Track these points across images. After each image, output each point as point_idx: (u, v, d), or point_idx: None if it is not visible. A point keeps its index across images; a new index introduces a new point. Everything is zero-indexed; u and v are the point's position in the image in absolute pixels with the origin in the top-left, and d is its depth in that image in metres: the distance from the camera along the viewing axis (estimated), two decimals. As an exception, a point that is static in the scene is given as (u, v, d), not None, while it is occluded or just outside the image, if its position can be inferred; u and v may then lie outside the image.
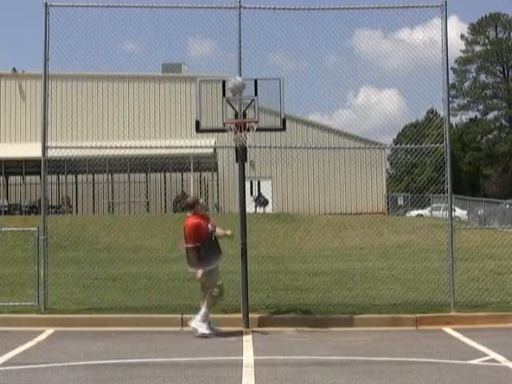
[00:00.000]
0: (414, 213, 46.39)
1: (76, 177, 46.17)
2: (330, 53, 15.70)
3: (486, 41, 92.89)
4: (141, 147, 27.34)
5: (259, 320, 13.32)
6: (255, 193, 46.50)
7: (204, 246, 12.52)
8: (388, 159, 50.28)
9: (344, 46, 16.25)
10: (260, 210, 43.20)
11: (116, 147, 16.17)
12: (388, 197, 51.45)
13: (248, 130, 13.38)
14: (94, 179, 46.75)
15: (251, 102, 13.36)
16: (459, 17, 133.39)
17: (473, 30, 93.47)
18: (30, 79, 46.75)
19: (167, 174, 46.84)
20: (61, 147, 15.25)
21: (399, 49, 15.16)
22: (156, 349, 11.44)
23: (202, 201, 13.27)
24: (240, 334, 12.59)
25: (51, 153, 14.73)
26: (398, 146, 19.28)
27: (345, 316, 13.63)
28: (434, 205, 44.08)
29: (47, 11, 14.25)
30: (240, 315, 13.23)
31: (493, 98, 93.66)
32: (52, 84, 14.67)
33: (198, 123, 13.55)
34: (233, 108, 13.47)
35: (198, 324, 12.53)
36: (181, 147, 29.32)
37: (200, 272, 12.46)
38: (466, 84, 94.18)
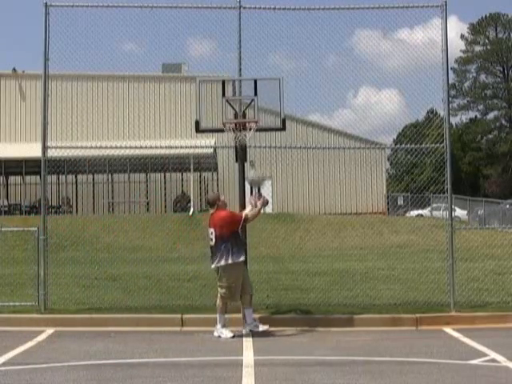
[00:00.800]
0: (413, 213, 46.40)
1: (76, 177, 46.10)
2: (330, 53, 15.69)
3: (486, 41, 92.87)
4: (141, 147, 27.26)
5: (259, 320, 13.30)
6: (255, 193, 46.44)
7: (233, 239, 12.51)
8: (388, 159, 50.37)
9: (344, 46, 16.25)
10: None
11: (116, 147, 16.16)
12: (388, 197, 51.41)
13: (248, 130, 13.39)
14: (93, 179, 46.70)
15: (251, 102, 13.37)
16: (459, 17, 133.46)
17: (473, 30, 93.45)
18: (30, 79, 46.66)
19: (167, 174, 46.79)
20: (61, 147, 15.26)
21: (399, 49, 15.15)
22: (156, 349, 11.44)
23: (223, 198, 13.10)
24: (240, 333, 12.59)
25: (51, 153, 14.74)
26: (398, 145, 19.29)
27: (345, 316, 13.63)
28: (434, 205, 44.07)
29: (47, 11, 14.25)
30: (240, 315, 13.21)
31: (493, 98, 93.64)
32: (52, 84, 14.67)
33: (197, 123, 13.56)
34: (232, 108, 13.47)
35: (218, 332, 12.48)
36: (181, 147, 29.24)
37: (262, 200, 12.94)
38: (466, 84, 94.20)
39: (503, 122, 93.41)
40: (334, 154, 46.04)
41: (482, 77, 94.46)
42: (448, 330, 13.04)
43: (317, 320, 13.47)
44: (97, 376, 9.40)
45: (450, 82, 15.51)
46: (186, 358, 10.59)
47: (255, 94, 13.40)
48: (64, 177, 42.55)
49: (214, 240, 12.49)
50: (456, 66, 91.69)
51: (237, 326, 12.93)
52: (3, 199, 44.95)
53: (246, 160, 13.65)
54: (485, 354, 10.68)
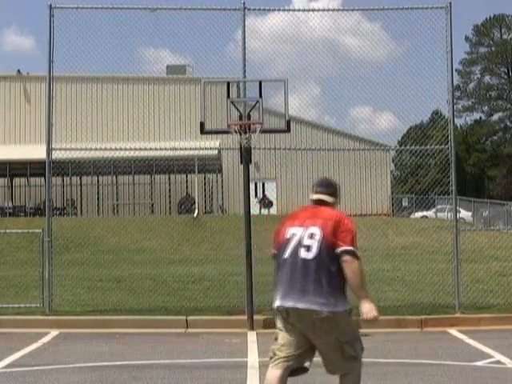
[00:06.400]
0: (418, 214, 46.29)
1: (80, 178, 46.15)
2: (334, 54, 15.70)
3: (491, 42, 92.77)
4: (145, 149, 27.34)
5: (264, 322, 13.28)
6: (260, 194, 46.47)
7: None
8: (392, 161, 50.20)
9: (348, 47, 16.26)
10: (264, 211, 43.13)
11: (121, 149, 16.22)
12: (393, 198, 51.32)
13: (253, 132, 13.38)
14: (98, 181, 46.72)
15: (256, 104, 13.36)
16: (463, 18, 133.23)
17: (477, 31, 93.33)
18: (35, 81, 46.71)
19: (172, 176, 46.73)
20: (65, 149, 15.31)
21: (404, 50, 15.17)
22: (161, 350, 11.44)
23: None
24: (245, 335, 12.57)
25: (56, 154, 14.77)
26: (402, 147, 19.28)
27: (349, 318, 13.58)
28: (439, 206, 43.99)
29: (52, 13, 14.27)
30: (245, 317, 13.21)
31: (497, 100, 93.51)
32: (56, 86, 14.70)
33: (202, 125, 13.56)
34: (237, 109, 13.47)
35: None
36: (185, 149, 29.29)
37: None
38: (471, 85, 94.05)
39: (508, 123, 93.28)
40: (339, 156, 46.06)
41: (487, 78, 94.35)
42: (453, 331, 13.01)
43: (322, 322, 13.42)
44: (101, 378, 9.39)
45: (455, 83, 15.55)
46: (191, 360, 10.59)
47: (260, 95, 13.39)
48: (68, 178, 42.55)
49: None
50: (460, 67, 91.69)
51: (241, 327, 12.92)
52: (8, 201, 45.02)
53: (250, 162, 13.63)
54: (490, 356, 10.66)
